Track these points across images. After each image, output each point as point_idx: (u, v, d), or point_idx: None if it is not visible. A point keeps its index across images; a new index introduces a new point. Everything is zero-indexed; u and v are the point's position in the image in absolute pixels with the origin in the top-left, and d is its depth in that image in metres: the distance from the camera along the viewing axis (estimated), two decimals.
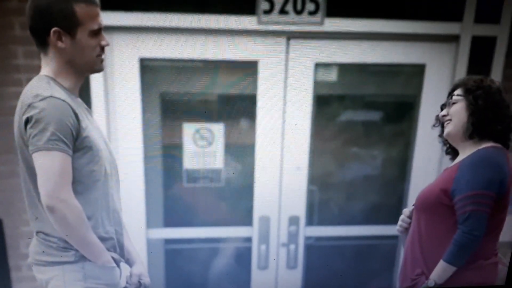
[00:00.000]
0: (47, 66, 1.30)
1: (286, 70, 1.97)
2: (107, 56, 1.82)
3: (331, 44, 1.96)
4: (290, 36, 1.93)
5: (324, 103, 2.05)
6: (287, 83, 1.98)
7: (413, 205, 1.54)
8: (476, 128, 1.43)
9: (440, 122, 1.56)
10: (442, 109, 1.55)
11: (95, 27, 1.29)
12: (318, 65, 1.99)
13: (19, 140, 1.26)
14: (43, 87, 1.24)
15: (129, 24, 1.83)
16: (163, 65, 1.96)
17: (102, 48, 1.34)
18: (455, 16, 1.96)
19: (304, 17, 1.89)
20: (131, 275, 1.48)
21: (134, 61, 1.88)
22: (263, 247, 2.14)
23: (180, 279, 2.17)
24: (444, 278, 1.47)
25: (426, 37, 1.98)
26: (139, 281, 1.46)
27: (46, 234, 1.32)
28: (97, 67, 1.36)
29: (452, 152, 1.55)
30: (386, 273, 2.30)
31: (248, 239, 2.15)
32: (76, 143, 1.26)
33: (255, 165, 2.05)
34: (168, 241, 2.14)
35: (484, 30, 1.98)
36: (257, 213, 2.11)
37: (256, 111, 1.99)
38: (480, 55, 2.01)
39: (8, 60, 1.79)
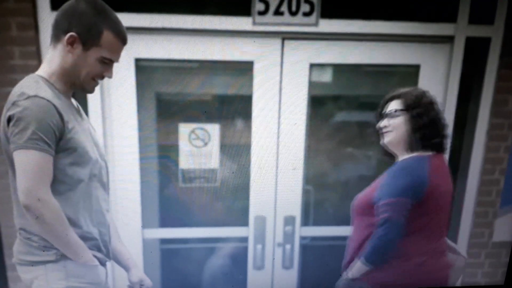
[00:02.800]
0: (47, 64, 1.31)
1: (281, 70, 1.98)
2: None
3: (326, 45, 1.97)
4: (285, 37, 1.94)
5: (319, 104, 2.06)
6: (282, 84, 1.99)
7: None
8: (414, 143, 1.54)
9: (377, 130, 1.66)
10: (377, 118, 1.65)
11: (108, 56, 1.32)
12: (313, 66, 2.00)
13: (2, 136, 1.27)
14: (30, 86, 1.25)
15: (124, 24, 1.82)
16: (158, 66, 1.97)
17: (102, 77, 1.36)
18: (449, 17, 1.97)
19: (299, 18, 1.90)
20: (133, 284, 1.52)
21: (129, 62, 1.89)
22: (259, 247, 2.15)
23: (176, 279, 2.18)
24: (358, 274, 1.58)
25: (421, 38, 2.00)
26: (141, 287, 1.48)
27: (28, 232, 1.32)
28: (88, 88, 1.37)
29: (389, 156, 1.65)
30: None
31: (244, 239, 2.16)
32: (60, 143, 1.26)
33: (251, 165, 2.06)
34: (163, 241, 2.15)
35: (478, 31, 2.00)
36: (253, 213, 2.11)
37: (252, 111, 2.00)
38: (474, 56, 2.02)
39: (5, 61, 1.80)
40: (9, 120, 1.22)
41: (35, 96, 1.21)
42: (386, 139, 1.60)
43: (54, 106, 1.24)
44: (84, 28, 1.27)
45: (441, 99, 2.06)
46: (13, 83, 1.81)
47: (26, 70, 1.82)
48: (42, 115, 1.21)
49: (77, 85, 1.35)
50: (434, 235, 1.57)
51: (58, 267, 1.33)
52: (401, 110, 1.57)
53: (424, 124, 1.54)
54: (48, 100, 1.23)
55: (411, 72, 2.05)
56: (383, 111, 1.63)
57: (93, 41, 1.29)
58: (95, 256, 1.38)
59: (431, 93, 2.00)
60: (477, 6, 1.95)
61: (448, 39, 2.01)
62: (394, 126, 1.58)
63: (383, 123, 1.61)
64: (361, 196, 1.62)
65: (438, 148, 1.56)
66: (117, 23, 1.32)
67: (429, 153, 1.56)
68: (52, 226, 1.26)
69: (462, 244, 2.25)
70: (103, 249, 1.44)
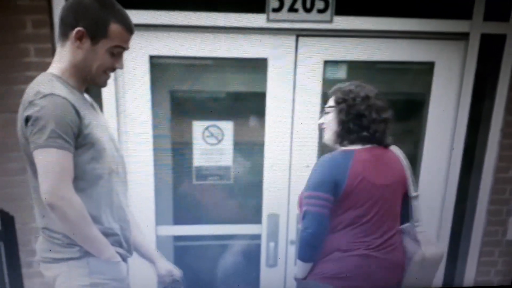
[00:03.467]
0: (58, 62, 1.31)
1: (295, 67, 1.97)
2: None
3: (340, 42, 1.96)
4: (300, 34, 1.94)
5: None
6: (296, 81, 1.98)
7: None
8: (341, 137, 1.56)
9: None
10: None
11: (117, 45, 1.32)
12: (327, 63, 1.99)
13: (21, 137, 1.27)
14: (44, 84, 1.25)
15: (139, 22, 1.81)
16: (173, 63, 1.97)
17: (113, 69, 1.36)
18: (465, 14, 1.96)
19: (313, 15, 1.89)
20: (162, 277, 1.52)
21: (144, 59, 1.89)
22: (272, 244, 2.14)
23: (189, 276, 2.17)
24: (302, 273, 1.57)
25: (436, 35, 1.99)
26: (172, 278, 1.48)
27: (51, 231, 1.33)
28: (100, 82, 1.37)
29: None
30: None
31: (257, 237, 2.16)
32: (78, 140, 1.26)
33: (264, 162, 2.06)
34: (177, 238, 2.16)
35: (494, 28, 1.98)
36: (266, 211, 2.11)
37: (265, 108, 2.00)
38: (489, 53, 2.01)
39: (20, 58, 1.81)
40: (27, 120, 1.21)
41: (51, 94, 1.21)
42: (324, 137, 1.63)
43: (70, 103, 1.23)
44: (91, 22, 1.27)
45: (455, 96, 2.05)
46: (29, 80, 1.80)
47: (41, 67, 1.80)
48: (60, 113, 1.21)
49: (89, 80, 1.35)
50: (372, 229, 1.55)
51: (81, 264, 1.33)
52: (331, 106, 1.59)
53: (346, 119, 1.55)
54: (64, 98, 1.22)
55: (425, 70, 2.04)
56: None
57: (101, 34, 1.28)
58: (117, 252, 1.38)
59: (446, 90, 2.04)
60: (493, 2, 1.94)
61: (463, 36, 1.99)
62: (327, 123, 1.61)
63: (320, 120, 1.64)
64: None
65: (367, 142, 1.55)
66: (123, 13, 1.32)
67: (357, 147, 1.55)
68: (76, 223, 1.26)
69: (475, 242, 2.24)
70: (125, 244, 1.44)
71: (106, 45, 1.30)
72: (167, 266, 1.56)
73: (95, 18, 1.27)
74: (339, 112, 1.56)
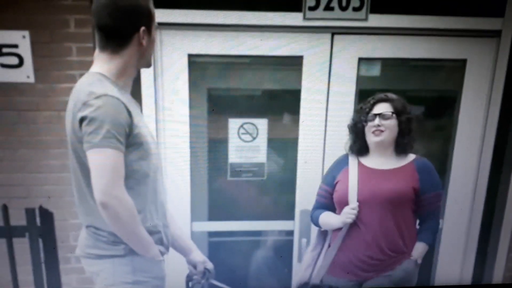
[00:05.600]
0: (107, 63, 1.30)
1: (330, 65, 2.00)
2: (156, 52, 1.88)
3: (374, 39, 1.98)
4: (335, 31, 1.96)
5: (367, 98, 2.06)
6: (330, 78, 2.01)
7: (357, 201, 1.73)
8: (407, 145, 1.73)
9: (357, 125, 1.78)
10: (363, 116, 1.75)
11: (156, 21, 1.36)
12: (361, 60, 2.01)
13: (72, 136, 1.27)
14: (96, 84, 1.25)
15: (178, 21, 1.87)
16: (210, 61, 2.00)
17: None
18: (497, 11, 1.97)
19: (349, 13, 1.91)
20: (196, 265, 1.52)
21: (182, 57, 1.92)
22: (304, 240, 2.16)
23: (222, 271, 2.20)
24: (422, 256, 1.79)
25: (468, 33, 2.00)
26: (205, 268, 1.50)
27: (97, 228, 1.34)
28: (151, 62, 1.41)
29: (361, 151, 1.79)
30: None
31: (290, 233, 2.18)
32: (129, 139, 1.27)
33: (298, 159, 2.08)
34: (211, 234, 2.18)
35: None
36: (298, 207, 2.14)
37: (300, 106, 2.02)
38: None
39: (63, 57, 1.84)
40: (81, 120, 1.22)
41: (105, 95, 1.21)
42: (379, 138, 1.72)
43: (123, 103, 1.24)
44: (145, 16, 1.30)
45: (487, 93, 2.07)
46: (71, 79, 1.87)
47: (83, 66, 1.86)
48: (114, 114, 1.22)
49: (144, 65, 1.39)
50: None
51: (125, 262, 1.34)
52: (393, 113, 1.70)
53: (411, 129, 1.72)
54: (118, 98, 1.23)
55: (457, 67, 2.06)
56: (373, 111, 1.73)
57: (152, 21, 1.33)
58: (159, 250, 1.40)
59: (477, 87, 2.06)
60: None
61: (495, 34, 2.01)
62: (387, 127, 1.71)
63: (376, 122, 1.71)
64: (392, 188, 1.70)
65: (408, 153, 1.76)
66: None
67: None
68: (126, 222, 1.27)
69: (504, 238, 2.25)
70: (165, 241, 1.45)
71: (154, 27, 1.34)
72: (202, 256, 1.58)
73: (145, 10, 1.30)
74: (403, 122, 1.70)
